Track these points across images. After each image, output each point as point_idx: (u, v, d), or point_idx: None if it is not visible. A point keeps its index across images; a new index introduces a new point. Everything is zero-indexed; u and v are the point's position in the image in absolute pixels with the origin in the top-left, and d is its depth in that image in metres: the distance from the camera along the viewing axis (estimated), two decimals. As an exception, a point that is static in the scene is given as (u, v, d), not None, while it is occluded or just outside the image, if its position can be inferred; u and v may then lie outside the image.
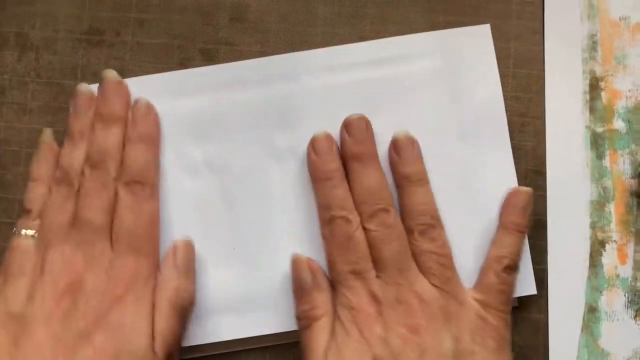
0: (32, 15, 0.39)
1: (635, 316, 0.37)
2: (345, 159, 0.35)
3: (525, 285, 0.36)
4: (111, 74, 0.36)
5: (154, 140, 0.36)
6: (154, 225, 0.34)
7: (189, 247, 0.35)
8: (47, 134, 0.37)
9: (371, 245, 0.34)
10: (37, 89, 0.39)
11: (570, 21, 0.38)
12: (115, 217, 0.34)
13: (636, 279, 0.37)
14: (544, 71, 0.38)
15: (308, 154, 0.36)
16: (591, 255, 0.38)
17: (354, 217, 0.34)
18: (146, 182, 0.35)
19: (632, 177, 0.38)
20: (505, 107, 0.37)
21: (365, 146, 0.35)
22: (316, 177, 0.35)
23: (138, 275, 0.33)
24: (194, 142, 0.37)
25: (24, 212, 0.35)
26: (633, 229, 0.38)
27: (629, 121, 0.38)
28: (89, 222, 0.33)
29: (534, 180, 0.38)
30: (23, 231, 0.34)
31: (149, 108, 0.36)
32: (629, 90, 0.38)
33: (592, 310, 0.37)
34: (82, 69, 0.39)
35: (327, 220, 0.34)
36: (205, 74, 0.37)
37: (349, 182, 0.35)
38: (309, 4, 0.39)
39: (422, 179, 0.35)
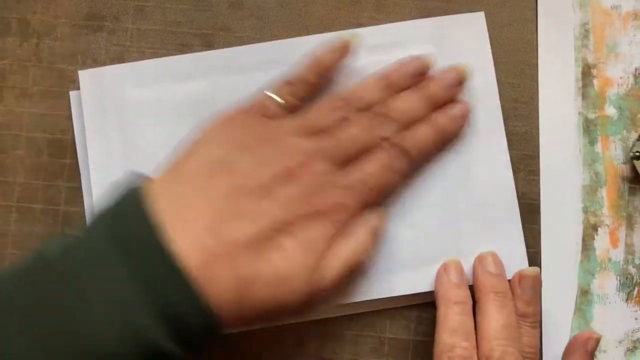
0: (33, 2, 0.39)
1: (627, 299, 0.38)
2: (480, 290, 0.35)
3: (519, 269, 0.36)
4: (461, 68, 0.36)
5: (445, 141, 0.36)
6: (382, 193, 0.34)
7: (384, 219, 0.35)
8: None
9: None
10: (37, 73, 0.39)
11: (562, 9, 0.39)
12: (364, 160, 0.34)
13: (628, 262, 0.38)
14: (537, 58, 0.39)
15: (439, 273, 0.36)
16: (583, 239, 0.38)
17: (475, 355, 0.33)
18: (412, 159, 0.35)
19: (624, 163, 0.38)
20: (499, 93, 0.38)
21: (504, 280, 0.35)
22: (447, 298, 0.35)
23: (342, 209, 0.32)
24: (191, 126, 0.37)
25: (287, 82, 0.35)
26: (625, 214, 0.38)
27: (620, 108, 0.39)
28: (340, 144, 0.33)
29: (528, 165, 0.38)
30: (274, 95, 0.34)
31: (464, 116, 0.37)
32: (621, 78, 0.39)
33: (584, 294, 0.38)
34: (82, 54, 0.39)
35: (450, 345, 0.33)
36: (204, 59, 0.38)
37: (479, 315, 0.34)
38: (306, -9, 0.39)
39: (537, 321, 0.35)
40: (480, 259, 0.36)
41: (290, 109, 0.35)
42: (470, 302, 0.35)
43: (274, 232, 0.31)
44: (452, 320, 0.34)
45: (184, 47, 0.39)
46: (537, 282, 0.35)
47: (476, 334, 0.34)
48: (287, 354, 0.37)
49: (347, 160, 0.33)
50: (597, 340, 0.36)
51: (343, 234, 0.33)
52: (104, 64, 0.39)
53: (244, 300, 0.30)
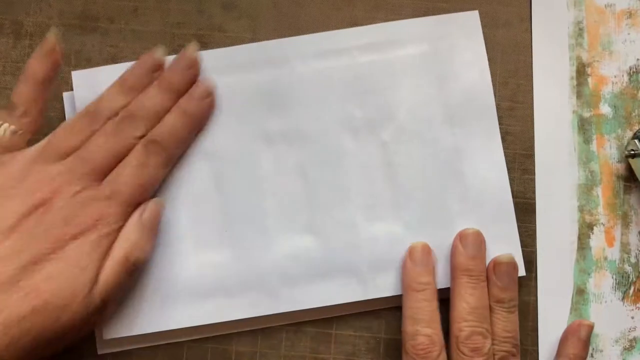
0: (26, 2, 0.39)
1: (623, 298, 0.38)
2: (454, 271, 0.36)
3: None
4: (192, 48, 0.37)
5: (195, 122, 0.36)
6: (146, 190, 0.34)
7: (159, 207, 0.35)
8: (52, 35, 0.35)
9: None
10: (31, 75, 0.39)
11: (557, 8, 0.39)
12: (119, 165, 0.34)
13: (623, 261, 0.38)
14: (531, 57, 0.39)
15: (404, 260, 0.36)
16: (579, 238, 0.38)
17: (439, 340, 0.34)
18: (166, 149, 0.35)
19: (619, 161, 0.38)
20: (494, 92, 0.38)
21: (478, 263, 0.36)
22: (408, 286, 0.35)
23: (107, 219, 0.33)
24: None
25: (8, 107, 0.34)
26: (620, 212, 0.38)
27: (615, 106, 0.39)
28: (90, 157, 0.33)
29: (523, 164, 0.38)
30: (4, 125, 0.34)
31: (209, 93, 0.37)
32: (615, 76, 0.39)
33: (580, 293, 0.38)
34: (75, 56, 0.39)
35: (411, 333, 0.34)
36: (198, 60, 0.38)
37: (452, 295, 0.35)
38: (300, -9, 0.39)
39: (514, 306, 0.35)
40: (461, 237, 0.36)
41: (29, 131, 0.34)
42: (433, 286, 0.35)
43: (36, 263, 0.31)
44: (413, 309, 0.35)
45: (178, 48, 0.39)
46: (511, 268, 0.36)
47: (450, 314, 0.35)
48: (281, 355, 0.37)
49: (104, 171, 0.33)
50: (590, 327, 0.36)
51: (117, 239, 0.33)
52: (97, 64, 0.39)
53: (18, 339, 0.30)
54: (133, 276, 0.34)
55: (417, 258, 0.36)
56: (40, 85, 0.35)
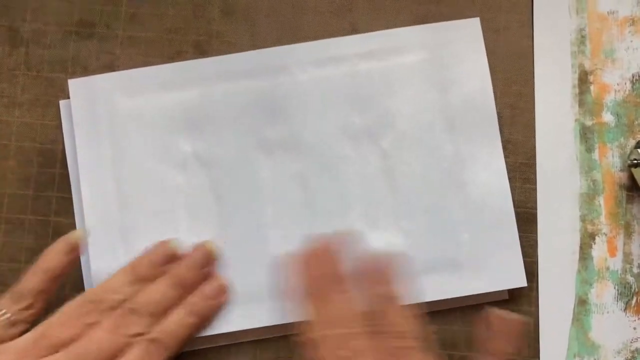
0: (22, 9, 0.39)
1: (625, 308, 0.37)
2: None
3: (516, 278, 0.36)
4: (209, 244, 0.35)
5: (203, 322, 0.34)
6: None
7: None
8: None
9: None
10: (27, 82, 0.38)
11: (559, 15, 0.39)
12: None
13: (626, 271, 0.37)
14: (533, 65, 0.39)
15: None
16: (581, 248, 0.38)
17: None
18: (167, 349, 0.32)
19: (621, 170, 0.38)
20: (495, 100, 0.37)
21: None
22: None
23: None
24: (183, 135, 0.37)
25: (16, 296, 0.32)
26: (622, 222, 0.38)
27: (617, 114, 0.38)
28: (85, 354, 0.31)
29: (524, 173, 0.38)
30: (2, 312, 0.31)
31: (222, 291, 0.35)
32: (618, 84, 0.38)
33: (582, 303, 0.37)
34: (72, 62, 0.39)
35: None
36: (194, 68, 0.37)
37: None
38: (299, -2, 0.39)
39: (393, 297, 0.32)
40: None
41: (28, 323, 0.32)
42: None
43: None
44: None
45: (175, 54, 0.39)
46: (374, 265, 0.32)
47: None
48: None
49: None
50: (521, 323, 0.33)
51: None
52: (94, 72, 0.38)
53: None
54: None
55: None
56: (53, 280, 0.32)
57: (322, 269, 0.32)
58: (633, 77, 0.38)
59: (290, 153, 0.37)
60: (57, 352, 0.31)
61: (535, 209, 0.38)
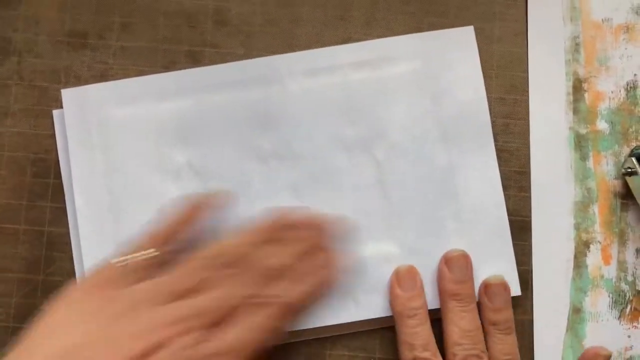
0: (14, 19, 0.39)
1: (620, 317, 0.37)
2: (442, 295, 0.35)
3: (510, 287, 0.36)
4: (325, 216, 0.34)
5: (315, 292, 0.33)
6: (252, 349, 0.31)
7: None
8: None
9: None
10: (20, 92, 0.38)
11: (553, 23, 0.39)
12: (231, 320, 0.31)
13: (620, 279, 0.38)
14: (527, 73, 0.38)
15: (392, 287, 0.36)
16: (575, 256, 0.38)
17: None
18: (280, 315, 0.32)
19: (616, 178, 0.38)
20: (490, 109, 0.37)
21: (467, 286, 0.35)
22: (400, 313, 0.35)
23: None
24: (177, 145, 0.37)
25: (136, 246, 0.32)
26: (617, 230, 0.38)
27: (612, 122, 0.38)
28: (204, 309, 0.30)
29: (518, 182, 0.38)
30: (118, 259, 0.31)
31: (335, 266, 0.34)
32: (612, 92, 0.38)
33: (576, 311, 0.37)
34: (65, 72, 0.38)
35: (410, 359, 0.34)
36: (188, 77, 0.37)
37: (443, 320, 0.35)
38: (293, 6, 0.39)
39: (510, 327, 0.35)
40: (446, 260, 0.36)
41: (143, 273, 0.32)
42: (425, 309, 0.35)
43: None
44: (408, 334, 0.34)
45: (169, 64, 0.38)
46: (502, 289, 0.36)
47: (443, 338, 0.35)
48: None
49: (213, 324, 0.31)
50: (606, 357, 0.36)
51: None
52: (87, 82, 0.38)
53: None
54: None
55: (405, 283, 0.35)
56: (187, 226, 0.33)
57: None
58: (627, 84, 0.38)
59: (284, 163, 0.37)
60: (174, 301, 0.31)
61: (530, 217, 0.38)
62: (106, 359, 0.28)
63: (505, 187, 0.37)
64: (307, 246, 0.33)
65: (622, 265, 0.38)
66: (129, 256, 0.32)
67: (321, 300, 0.34)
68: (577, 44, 0.39)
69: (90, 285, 0.31)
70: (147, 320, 0.29)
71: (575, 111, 0.38)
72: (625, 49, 0.39)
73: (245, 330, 0.31)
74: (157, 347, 0.29)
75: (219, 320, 0.31)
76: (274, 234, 0.33)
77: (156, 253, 0.32)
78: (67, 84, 0.38)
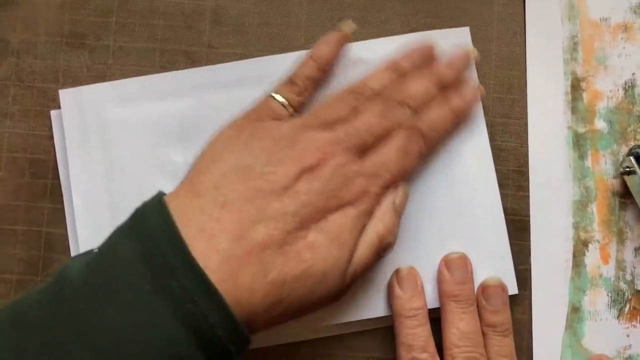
0: (12, 20, 0.39)
1: (619, 316, 0.37)
2: (442, 298, 0.35)
3: (507, 286, 0.36)
4: (468, 51, 0.37)
5: (458, 121, 0.36)
6: (403, 177, 0.34)
7: (408, 194, 0.34)
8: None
9: None
10: (18, 92, 0.38)
11: (551, 22, 0.39)
12: (381, 146, 0.33)
13: (619, 278, 0.37)
14: (525, 72, 0.38)
15: (392, 288, 0.36)
16: (574, 256, 0.38)
17: None
18: (427, 141, 0.34)
19: (614, 177, 0.38)
20: (488, 108, 0.37)
21: (466, 288, 0.35)
22: (399, 314, 0.35)
23: (366, 198, 0.32)
24: (175, 145, 0.37)
25: (289, 82, 0.35)
26: (615, 229, 0.38)
27: (610, 121, 0.38)
28: (357, 132, 0.32)
29: (517, 181, 0.38)
30: (279, 97, 0.34)
31: (476, 96, 0.36)
32: (610, 91, 0.38)
33: (575, 310, 0.37)
34: (63, 73, 0.38)
35: None
36: (186, 77, 0.37)
37: (442, 322, 0.35)
38: (290, 7, 0.39)
39: (507, 329, 0.35)
40: (445, 262, 0.36)
41: (297, 108, 0.34)
42: (425, 309, 0.35)
43: (301, 229, 0.30)
44: (407, 335, 0.35)
45: (167, 64, 0.38)
46: (499, 291, 0.36)
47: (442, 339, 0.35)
48: (274, 377, 0.37)
49: (365, 148, 0.33)
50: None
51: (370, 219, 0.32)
52: (85, 82, 0.38)
53: (277, 303, 0.29)
54: (378, 259, 0.33)
55: (406, 284, 0.35)
56: (321, 69, 0.35)
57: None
58: (625, 83, 0.38)
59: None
60: (330, 128, 0.32)
61: (528, 216, 0.38)
62: (276, 175, 0.30)
63: (503, 187, 0.37)
64: (449, 76, 0.35)
65: (620, 265, 0.38)
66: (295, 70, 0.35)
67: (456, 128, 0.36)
68: (575, 43, 0.39)
69: (258, 114, 0.34)
70: (308, 141, 0.32)
71: (574, 110, 0.38)
72: (624, 48, 0.39)
73: (392, 154, 0.33)
74: (318, 162, 0.31)
75: (367, 147, 0.33)
76: (415, 66, 0.35)
77: (285, 102, 0.34)
78: (66, 85, 0.38)
